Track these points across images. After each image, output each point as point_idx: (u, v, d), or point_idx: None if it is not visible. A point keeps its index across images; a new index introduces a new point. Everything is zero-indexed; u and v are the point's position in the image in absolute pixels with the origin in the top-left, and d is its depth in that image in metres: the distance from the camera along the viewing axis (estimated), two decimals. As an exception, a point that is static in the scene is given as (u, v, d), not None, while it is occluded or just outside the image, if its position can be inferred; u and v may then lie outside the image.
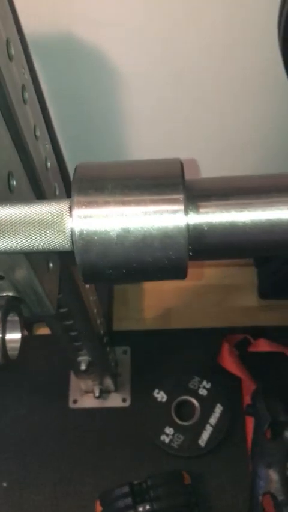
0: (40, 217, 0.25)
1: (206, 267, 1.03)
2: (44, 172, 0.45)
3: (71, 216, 0.24)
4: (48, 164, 0.46)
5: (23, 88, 0.39)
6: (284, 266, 0.91)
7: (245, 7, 0.58)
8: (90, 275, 0.25)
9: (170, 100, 0.70)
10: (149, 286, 1.02)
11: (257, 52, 0.63)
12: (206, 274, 1.01)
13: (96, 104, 0.70)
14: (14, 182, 0.36)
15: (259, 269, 0.99)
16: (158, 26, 0.60)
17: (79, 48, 0.62)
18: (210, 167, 0.80)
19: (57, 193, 0.48)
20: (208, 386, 0.89)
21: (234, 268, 1.02)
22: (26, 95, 0.40)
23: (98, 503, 0.77)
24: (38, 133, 0.43)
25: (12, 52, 0.37)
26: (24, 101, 0.39)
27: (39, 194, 0.43)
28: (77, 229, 0.24)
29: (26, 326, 1.00)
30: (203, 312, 0.98)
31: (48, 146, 0.47)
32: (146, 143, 0.76)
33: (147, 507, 0.73)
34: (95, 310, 0.71)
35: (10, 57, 0.36)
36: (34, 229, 0.25)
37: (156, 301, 1.00)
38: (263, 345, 0.92)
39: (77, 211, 0.24)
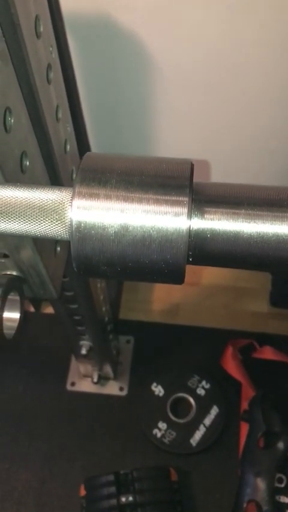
0: (41, 203, 0.24)
1: (221, 267, 1.01)
2: (62, 155, 0.44)
3: (71, 205, 0.23)
4: (68, 147, 0.45)
5: (49, 67, 0.38)
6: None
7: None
8: (85, 268, 0.24)
9: (203, 98, 0.68)
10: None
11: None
12: (219, 274, 1.00)
13: (128, 91, 0.69)
14: (27, 163, 0.35)
15: (274, 276, 0.97)
16: (209, 21, 0.58)
17: (118, 31, 0.61)
18: (234, 171, 0.79)
19: (74, 177, 0.47)
20: (207, 386, 0.88)
21: (249, 272, 1.00)
22: (51, 74, 0.39)
23: (82, 487, 0.78)
24: (60, 115, 0.42)
25: (41, 29, 0.36)
26: (49, 81, 0.38)
27: (54, 177, 0.42)
28: (75, 221, 0.23)
29: (34, 302, 1.00)
30: (211, 311, 0.97)
31: (70, 128, 0.46)
32: (169, 137, 0.75)
33: (130, 498, 0.73)
34: (102, 297, 0.70)
35: (38, 35, 0.35)
36: (33, 214, 0.24)
37: (165, 295, 0.99)
38: (268, 353, 0.90)
39: (77, 202, 0.23)
